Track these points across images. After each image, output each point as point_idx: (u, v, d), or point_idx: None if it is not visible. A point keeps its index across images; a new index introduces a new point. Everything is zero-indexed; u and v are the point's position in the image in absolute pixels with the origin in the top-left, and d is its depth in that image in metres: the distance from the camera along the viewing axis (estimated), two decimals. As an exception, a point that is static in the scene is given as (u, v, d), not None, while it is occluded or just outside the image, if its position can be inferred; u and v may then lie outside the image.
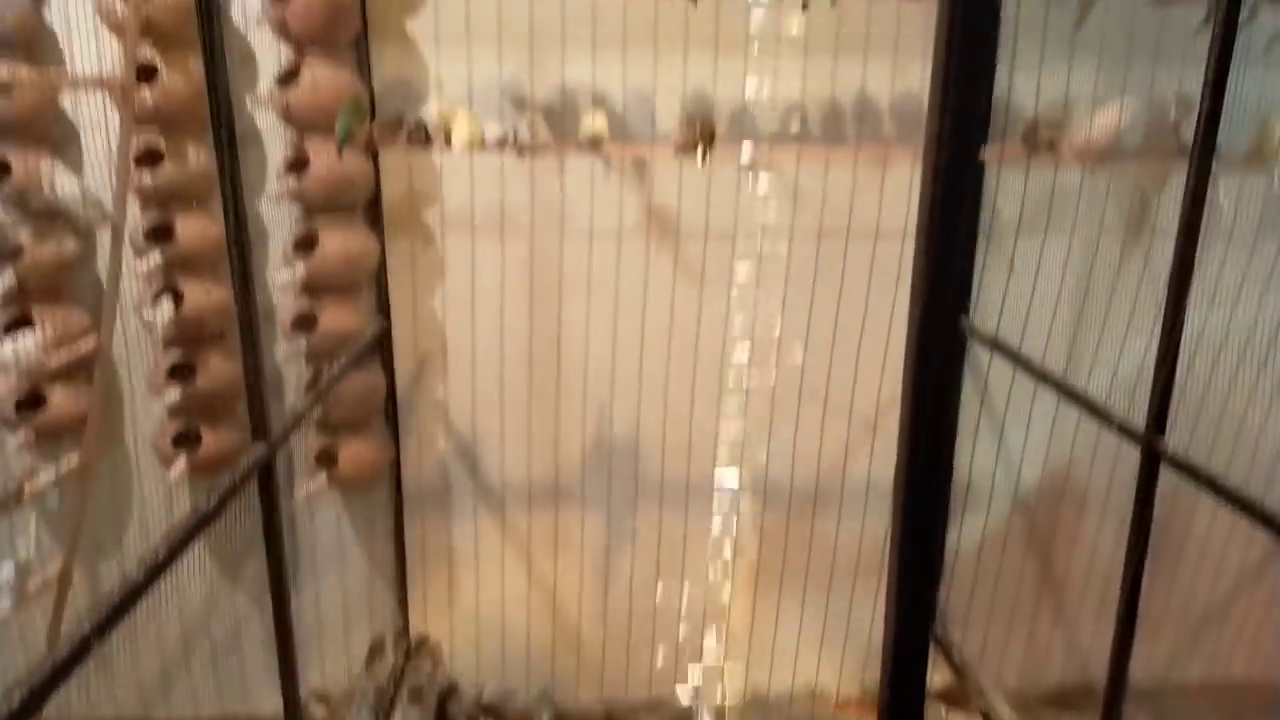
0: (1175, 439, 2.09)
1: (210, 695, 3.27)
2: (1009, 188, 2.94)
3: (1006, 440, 3.20)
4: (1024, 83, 2.82)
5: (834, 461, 3.22)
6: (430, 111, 2.38)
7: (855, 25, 2.77)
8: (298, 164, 2.63)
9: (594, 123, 2.40)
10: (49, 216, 2.63)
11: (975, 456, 3.20)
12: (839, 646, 3.42)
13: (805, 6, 2.52)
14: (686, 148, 2.37)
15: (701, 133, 2.35)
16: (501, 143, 2.37)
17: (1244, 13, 1.88)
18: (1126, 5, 2.51)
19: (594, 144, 2.42)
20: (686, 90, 2.85)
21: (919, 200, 1.25)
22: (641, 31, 2.79)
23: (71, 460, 2.63)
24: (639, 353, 3.09)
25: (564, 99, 2.86)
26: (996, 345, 2.82)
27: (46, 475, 2.59)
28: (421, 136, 2.35)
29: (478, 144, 2.36)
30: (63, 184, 2.64)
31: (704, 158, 2.35)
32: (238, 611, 3.21)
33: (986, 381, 3.15)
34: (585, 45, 2.80)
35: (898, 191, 2.95)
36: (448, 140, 2.34)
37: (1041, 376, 2.60)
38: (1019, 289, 3.02)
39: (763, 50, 2.82)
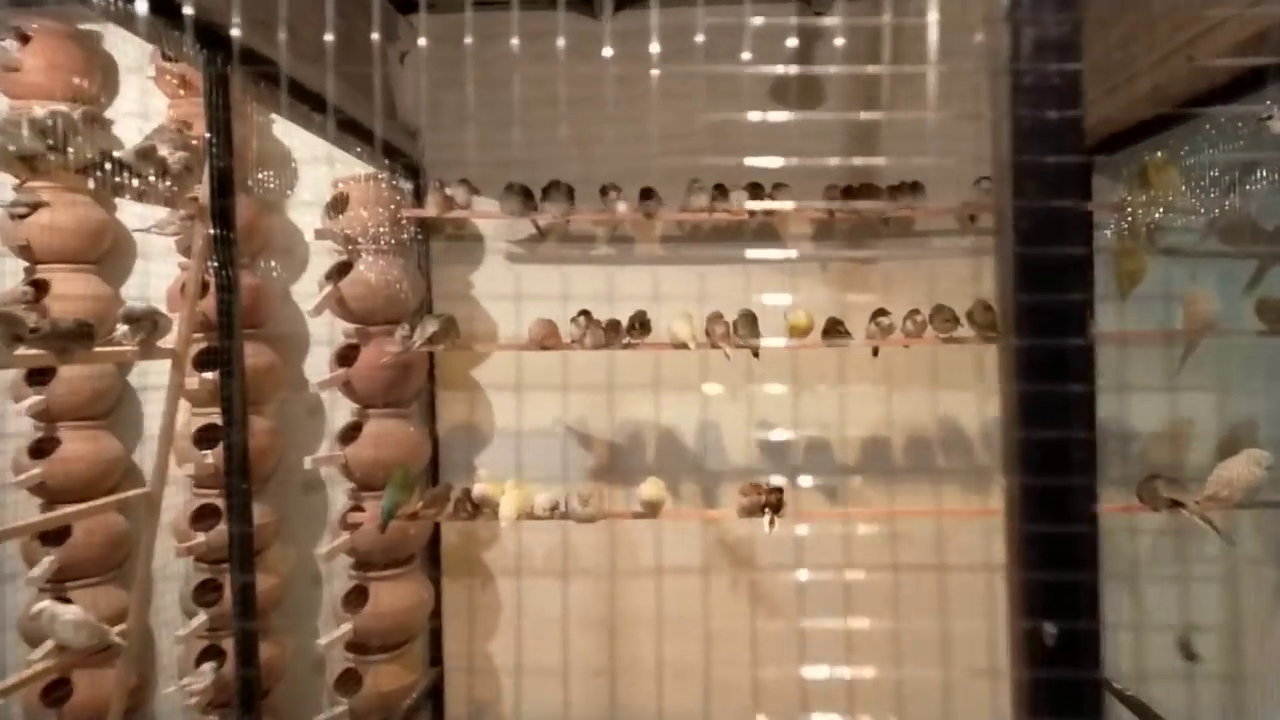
0: None
1: None
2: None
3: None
4: (1131, 409, 2.59)
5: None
6: (479, 484, 2.29)
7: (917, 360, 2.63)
8: (353, 519, 2.55)
9: (651, 490, 2.25)
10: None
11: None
12: None
13: (876, 353, 2.40)
14: (752, 512, 2.18)
15: (768, 498, 2.16)
16: (552, 512, 2.23)
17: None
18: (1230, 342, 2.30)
19: (651, 510, 2.25)
20: (751, 427, 2.72)
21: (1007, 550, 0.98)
22: (697, 374, 2.71)
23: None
24: (717, 696, 2.75)
25: (628, 438, 2.76)
26: (1137, 708, 2.39)
27: None
28: (468, 509, 2.24)
29: (525, 514, 2.23)
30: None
31: (771, 523, 2.15)
32: None
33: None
34: (653, 385, 2.73)
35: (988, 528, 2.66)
36: (495, 512, 2.21)
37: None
38: (1158, 640, 2.61)
39: (826, 385, 2.69)
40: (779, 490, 2.19)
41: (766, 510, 2.14)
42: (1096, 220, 2.59)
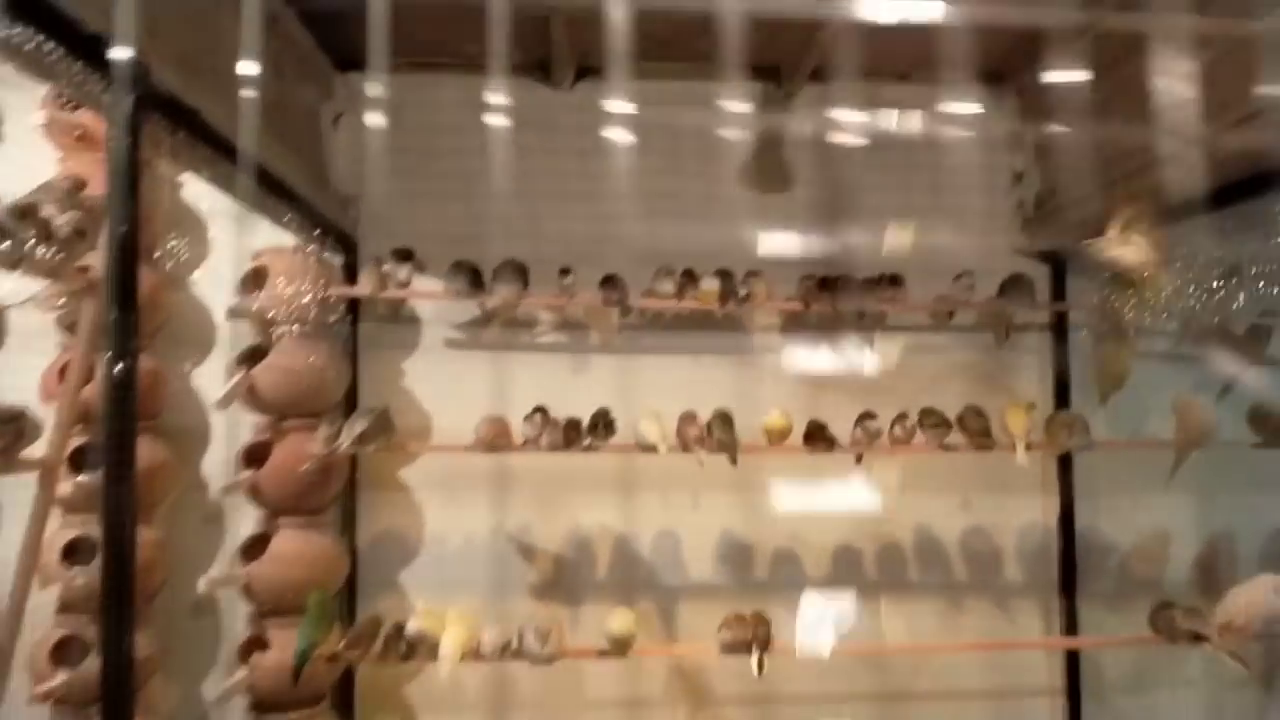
0: None
1: None
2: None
3: None
4: (1111, 521, 2.47)
5: None
6: (414, 617, 1.93)
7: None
8: (254, 648, 2.15)
9: (620, 623, 1.95)
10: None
11: None
12: None
13: (859, 460, 2.20)
14: (736, 648, 1.90)
15: (755, 633, 1.89)
16: (503, 651, 1.89)
17: None
18: (1222, 453, 2.21)
19: (619, 647, 1.95)
20: (722, 535, 2.48)
21: None
22: (654, 477, 2.47)
23: None
24: None
25: (578, 548, 2.46)
26: None
27: None
28: (400, 649, 1.87)
29: (470, 654, 1.88)
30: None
31: (760, 665, 1.87)
32: None
33: None
34: (601, 487, 2.46)
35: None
36: (433, 652, 1.86)
37: None
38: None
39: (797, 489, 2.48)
40: (767, 623, 1.93)
41: (755, 647, 1.87)
42: (1072, 321, 2.51)
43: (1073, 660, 2.42)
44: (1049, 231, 2.47)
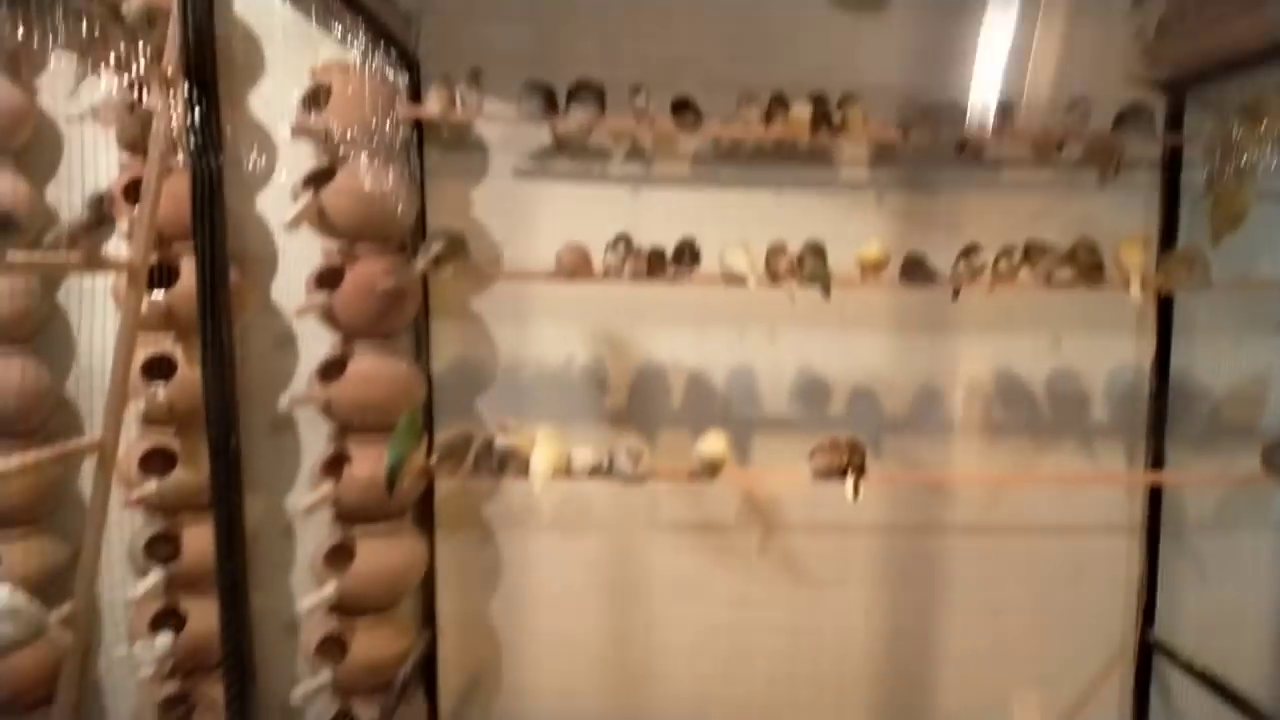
0: None
1: None
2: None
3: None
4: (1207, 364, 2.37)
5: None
6: (503, 432, 1.92)
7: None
8: (335, 466, 2.19)
9: (712, 447, 1.93)
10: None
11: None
12: None
13: (956, 296, 2.09)
14: (829, 474, 1.88)
15: (850, 458, 1.86)
16: (594, 470, 1.89)
17: None
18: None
19: (711, 470, 1.94)
20: (790, 373, 2.43)
21: None
22: (731, 310, 2.40)
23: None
24: (737, 659, 2.52)
25: (651, 380, 2.43)
26: (1189, 667, 2.23)
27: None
28: (492, 464, 1.88)
29: (561, 472, 1.89)
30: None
31: (856, 490, 1.85)
32: None
33: (1176, 702, 2.52)
34: (677, 320, 2.41)
35: (1047, 485, 2.45)
36: (524, 468, 1.87)
37: (1244, 707, 2.01)
38: (1212, 599, 2.45)
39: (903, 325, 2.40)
40: (861, 449, 1.90)
41: (849, 473, 1.84)
42: (1187, 158, 2.33)
43: (1154, 500, 2.39)
44: (1171, 59, 2.24)
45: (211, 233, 1.27)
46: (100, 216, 1.36)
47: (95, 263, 1.39)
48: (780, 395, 2.44)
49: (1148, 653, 2.44)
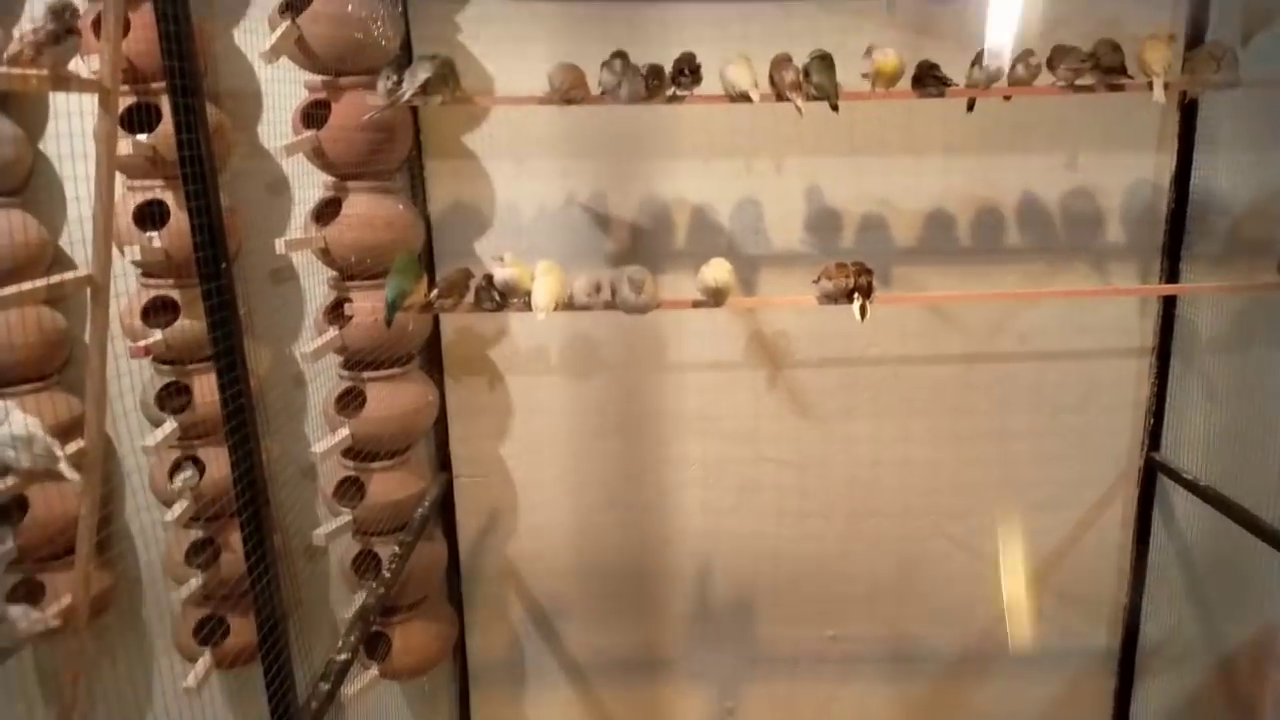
0: None
1: None
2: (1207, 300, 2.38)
3: (1206, 591, 2.61)
4: (1229, 178, 2.28)
5: (989, 621, 2.65)
6: (503, 266, 1.87)
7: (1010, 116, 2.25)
8: (338, 311, 2.16)
9: (716, 273, 1.88)
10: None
11: (1170, 608, 2.62)
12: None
13: (971, 107, 1.99)
14: (837, 297, 1.84)
15: (857, 280, 1.82)
16: (596, 291, 1.85)
17: None
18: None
19: (716, 296, 1.90)
20: (808, 202, 2.36)
21: None
22: (735, 139, 2.30)
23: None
24: (747, 495, 2.57)
25: (655, 217, 2.37)
26: (1193, 486, 2.27)
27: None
28: (492, 298, 1.85)
29: (563, 304, 1.85)
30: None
31: (863, 312, 1.82)
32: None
33: (1179, 522, 2.57)
34: (679, 153, 2.32)
35: (1056, 308, 2.42)
36: (526, 302, 1.84)
37: (1247, 522, 2.05)
38: (1219, 419, 2.45)
39: (906, 148, 2.31)
40: (868, 271, 1.86)
41: (856, 295, 1.81)
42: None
43: (1166, 319, 2.36)
44: None
45: (181, 59, 1.19)
46: (65, 27, 1.27)
47: (63, 81, 1.31)
48: (788, 228, 2.38)
49: (1152, 474, 2.47)
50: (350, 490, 2.30)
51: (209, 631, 2.33)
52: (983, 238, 2.37)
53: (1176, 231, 2.28)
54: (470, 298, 1.86)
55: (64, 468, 1.41)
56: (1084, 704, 2.70)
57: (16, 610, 1.45)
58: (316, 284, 2.32)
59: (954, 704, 2.73)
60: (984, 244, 2.37)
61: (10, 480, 1.39)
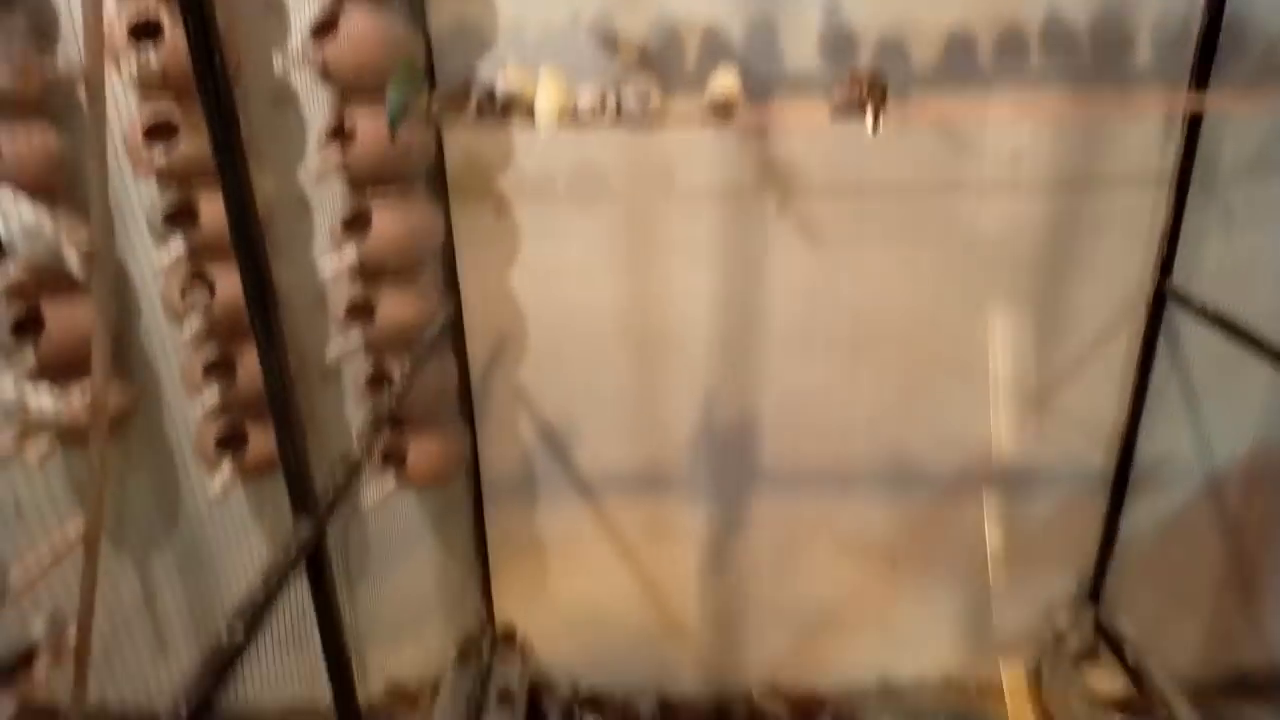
0: None
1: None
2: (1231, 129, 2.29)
3: (1203, 415, 2.66)
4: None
5: (982, 442, 2.74)
6: (505, 75, 1.82)
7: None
8: (340, 133, 2.14)
9: (723, 83, 1.82)
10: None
11: (1167, 432, 2.70)
12: (973, 635, 3.04)
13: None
14: (849, 109, 1.78)
15: (870, 91, 1.75)
16: (601, 106, 1.81)
17: None
18: None
19: (723, 111, 1.85)
20: (824, 25, 2.25)
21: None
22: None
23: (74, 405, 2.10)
24: (754, 323, 2.61)
25: (664, 38, 2.28)
26: (1202, 311, 2.28)
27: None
28: (495, 109, 1.81)
29: (568, 115, 1.81)
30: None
31: (875, 123, 1.76)
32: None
33: (1184, 348, 2.59)
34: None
35: (1076, 137, 2.35)
36: (529, 113, 1.80)
37: (1256, 344, 2.08)
38: (1235, 248, 2.42)
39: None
40: (882, 81, 1.79)
41: (870, 105, 1.76)
42: None
43: (1190, 143, 2.28)
44: None
45: None
46: None
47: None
48: (802, 50, 2.29)
49: (1161, 302, 2.46)
50: (361, 315, 2.36)
51: (229, 443, 2.46)
52: (1006, 61, 2.27)
53: (1207, 53, 2.17)
54: (472, 107, 1.82)
55: (72, 262, 1.43)
56: (1074, 524, 2.81)
57: (46, 398, 1.52)
58: (318, 110, 2.28)
59: (948, 520, 2.85)
60: (1006, 67, 2.27)
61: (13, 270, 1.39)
